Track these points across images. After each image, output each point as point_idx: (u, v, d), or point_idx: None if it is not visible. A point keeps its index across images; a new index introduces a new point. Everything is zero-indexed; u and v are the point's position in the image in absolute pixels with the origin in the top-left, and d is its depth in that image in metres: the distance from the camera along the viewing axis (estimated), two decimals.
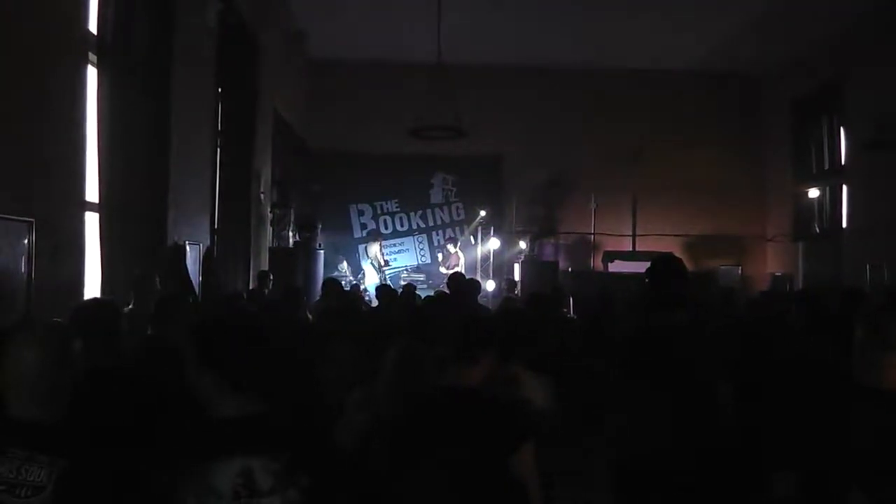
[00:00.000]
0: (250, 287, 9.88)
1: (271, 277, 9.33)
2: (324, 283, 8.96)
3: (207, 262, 8.64)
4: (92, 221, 5.99)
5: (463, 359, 2.70)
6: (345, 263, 14.64)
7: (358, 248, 15.71)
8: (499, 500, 2.23)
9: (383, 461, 2.60)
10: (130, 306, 5.17)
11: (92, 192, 5.99)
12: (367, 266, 14.47)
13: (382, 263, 14.40)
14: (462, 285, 7.36)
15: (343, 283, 11.49)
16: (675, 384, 2.91)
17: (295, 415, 2.16)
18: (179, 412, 2.18)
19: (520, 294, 10.41)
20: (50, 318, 4.56)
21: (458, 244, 15.00)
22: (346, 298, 7.69)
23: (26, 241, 4.97)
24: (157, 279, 5.37)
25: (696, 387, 2.95)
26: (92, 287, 5.89)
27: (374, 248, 14.47)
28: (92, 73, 5.97)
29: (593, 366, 3.15)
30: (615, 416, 2.43)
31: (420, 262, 16.34)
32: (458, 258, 14.47)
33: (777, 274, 15.06)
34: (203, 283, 8.39)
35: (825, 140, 14.01)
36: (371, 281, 13.77)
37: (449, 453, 2.41)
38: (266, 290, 8.86)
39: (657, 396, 2.79)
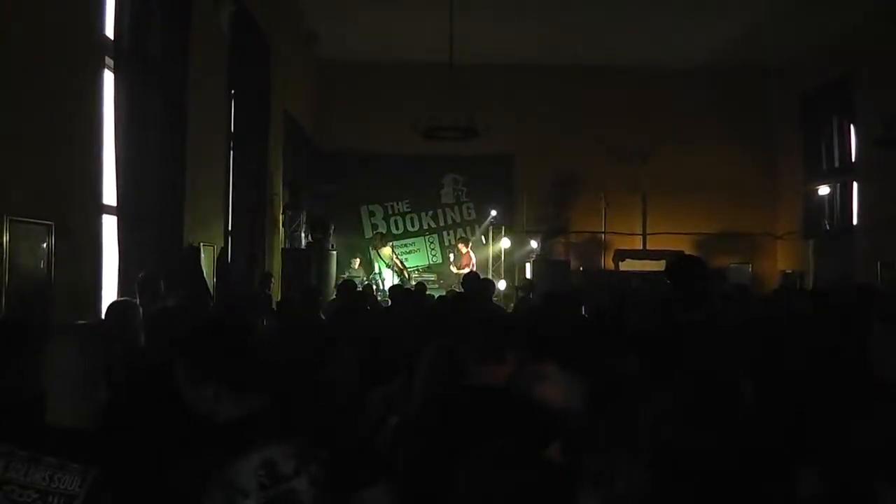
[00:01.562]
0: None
1: (272, 279, 9.26)
2: (338, 286, 8.98)
3: (221, 263, 8.64)
4: (110, 224, 6.01)
5: (488, 358, 2.68)
6: (357, 264, 14.62)
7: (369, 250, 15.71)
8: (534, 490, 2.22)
9: (411, 462, 2.59)
10: None
11: (110, 196, 6.01)
12: (384, 269, 14.39)
13: (402, 267, 14.35)
14: (477, 285, 7.33)
15: (356, 283, 11.49)
16: (698, 381, 2.91)
17: (301, 406, 2.16)
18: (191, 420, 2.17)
19: (532, 295, 10.37)
20: (69, 320, 4.62)
21: (470, 244, 14.97)
22: (358, 299, 7.66)
23: (45, 245, 5.01)
24: (162, 282, 5.39)
25: (720, 384, 2.95)
26: (109, 289, 5.93)
27: (388, 252, 14.42)
28: (109, 78, 6.00)
29: (617, 365, 3.13)
30: (647, 413, 2.43)
31: (431, 262, 16.34)
32: (470, 258, 14.43)
33: (787, 272, 15.01)
34: (217, 285, 8.40)
35: (835, 137, 13.93)
36: (388, 281, 13.73)
37: (475, 453, 2.40)
38: (267, 292, 8.78)
39: (681, 394, 2.79)
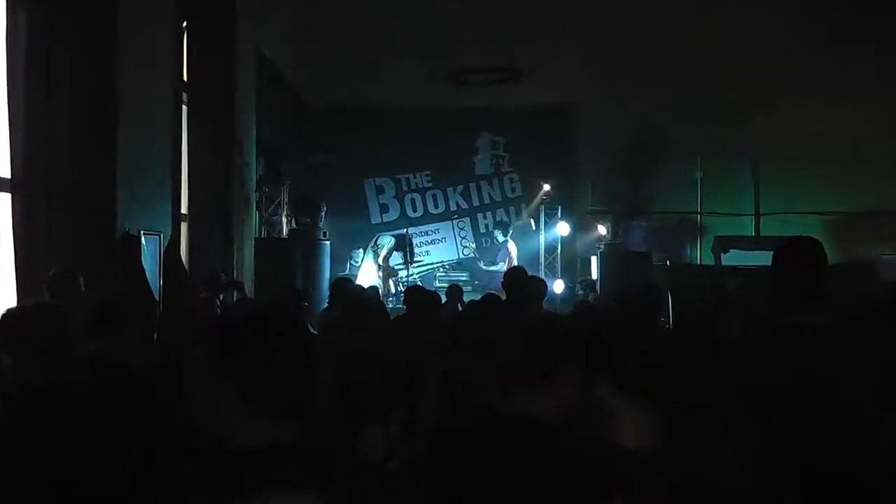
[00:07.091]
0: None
1: (225, 279, 9.15)
2: (331, 286, 8.89)
3: (170, 257, 8.61)
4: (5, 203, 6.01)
5: (531, 381, 2.59)
6: (361, 257, 14.58)
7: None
8: None
9: None
10: None
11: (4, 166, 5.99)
12: (369, 260, 14.25)
13: (383, 263, 14.15)
14: (522, 286, 7.18)
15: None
16: (808, 405, 2.92)
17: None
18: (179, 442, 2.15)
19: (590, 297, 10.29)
20: None
21: (511, 231, 14.86)
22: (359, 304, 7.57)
23: None
24: (81, 279, 5.39)
25: (840, 409, 2.96)
26: (5, 286, 5.95)
27: (389, 242, 14.27)
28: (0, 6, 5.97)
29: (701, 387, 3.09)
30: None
31: (462, 256, 16.30)
32: (510, 251, 14.33)
33: None
34: (165, 286, 8.38)
35: None
36: (367, 279, 13.45)
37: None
38: (220, 299, 8.69)
39: (782, 421, 2.77)
